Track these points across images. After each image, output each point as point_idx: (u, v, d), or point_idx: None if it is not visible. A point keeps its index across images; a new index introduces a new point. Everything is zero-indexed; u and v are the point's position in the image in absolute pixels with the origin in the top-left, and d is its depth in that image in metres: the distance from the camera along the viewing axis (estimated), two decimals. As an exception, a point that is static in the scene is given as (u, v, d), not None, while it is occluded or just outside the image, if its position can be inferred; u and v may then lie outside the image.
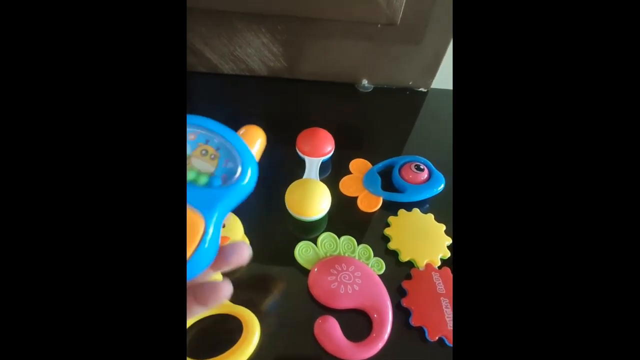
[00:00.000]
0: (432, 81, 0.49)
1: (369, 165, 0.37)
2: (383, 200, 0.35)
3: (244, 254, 0.18)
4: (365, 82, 0.49)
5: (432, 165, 0.36)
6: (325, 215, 0.32)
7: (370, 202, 0.34)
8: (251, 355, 0.25)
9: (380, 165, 0.37)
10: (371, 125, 0.45)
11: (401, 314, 0.28)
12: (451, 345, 0.26)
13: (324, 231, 0.31)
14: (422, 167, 0.35)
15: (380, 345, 0.25)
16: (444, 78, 0.49)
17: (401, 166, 0.36)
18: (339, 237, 0.31)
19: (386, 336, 0.26)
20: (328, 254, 0.30)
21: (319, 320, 0.25)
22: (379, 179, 0.36)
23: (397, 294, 0.29)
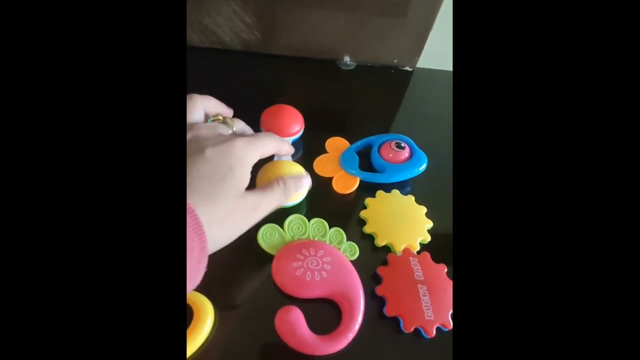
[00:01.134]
0: (418, 59, 0.46)
1: (347, 144, 0.34)
2: (360, 180, 0.32)
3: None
4: (347, 59, 0.46)
5: (414, 144, 0.33)
6: (303, 200, 0.28)
7: (346, 183, 0.31)
8: (200, 346, 0.22)
9: (358, 144, 0.34)
10: (353, 104, 0.42)
11: (375, 303, 0.25)
12: (428, 336, 0.24)
13: (292, 214, 0.28)
14: (402, 145, 0.32)
15: (348, 337, 0.23)
16: (430, 57, 0.46)
17: (381, 145, 0.33)
18: (309, 220, 0.28)
19: (356, 328, 0.23)
20: (295, 238, 0.27)
21: (280, 311, 0.23)
22: (357, 158, 0.33)
23: (372, 281, 0.26)
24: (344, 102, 0.42)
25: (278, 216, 0.28)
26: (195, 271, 0.18)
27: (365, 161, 0.33)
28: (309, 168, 0.32)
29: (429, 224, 0.29)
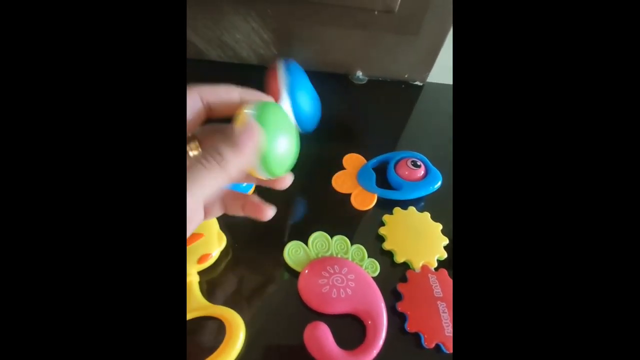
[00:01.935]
0: (428, 74, 0.47)
1: (363, 160, 0.36)
2: (378, 197, 0.33)
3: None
4: (359, 73, 0.47)
5: (429, 162, 0.35)
6: (325, 217, 0.29)
7: (364, 200, 0.33)
8: (235, 362, 0.23)
9: (374, 160, 0.35)
10: (365, 118, 0.43)
11: (396, 319, 0.26)
12: (448, 352, 0.25)
13: (315, 230, 0.29)
14: (418, 163, 0.34)
15: (374, 353, 0.24)
16: (441, 72, 0.47)
17: (397, 162, 0.34)
18: (331, 236, 0.29)
19: (380, 343, 0.24)
20: (319, 255, 0.28)
21: (309, 327, 0.24)
22: (374, 175, 0.34)
23: (392, 297, 0.27)
24: (356, 116, 0.43)
25: (302, 233, 0.29)
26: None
27: (381, 177, 0.34)
28: (327, 183, 0.33)
29: (445, 241, 0.30)
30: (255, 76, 0.44)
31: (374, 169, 0.35)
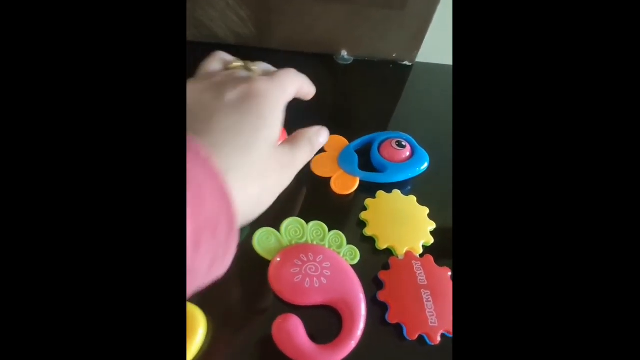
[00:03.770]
0: (417, 54, 0.45)
1: (346, 142, 0.33)
2: (360, 181, 0.31)
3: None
4: (344, 53, 0.45)
5: (415, 142, 0.32)
6: (302, 202, 0.27)
7: (345, 183, 0.30)
8: (193, 359, 0.21)
9: (357, 142, 0.33)
10: (351, 100, 0.40)
11: (377, 309, 0.24)
12: (432, 343, 0.23)
13: (290, 216, 0.27)
14: (404, 143, 0.31)
15: (350, 346, 0.22)
16: (430, 51, 0.45)
17: (381, 143, 0.32)
18: (307, 222, 0.27)
19: (358, 335, 0.22)
20: (293, 242, 0.26)
21: (278, 319, 0.22)
22: (356, 157, 0.32)
23: (374, 286, 0.25)
24: (341, 98, 0.41)
25: (274, 219, 0.27)
26: (223, 255, 0.14)
27: (365, 160, 0.32)
28: (305, 168, 0.31)
29: (432, 226, 0.28)
30: (232, 56, 0.42)
31: (357, 151, 0.32)
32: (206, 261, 0.14)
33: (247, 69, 0.22)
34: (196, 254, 0.13)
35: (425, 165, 0.31)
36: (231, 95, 0.17)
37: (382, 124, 0.37)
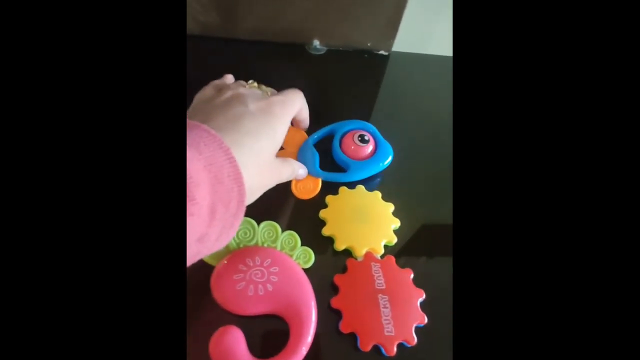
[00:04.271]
0: (393, 42, 0.42)
1: (305, 136, 0.31)
2: (322, 181, 0.28)
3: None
4: (316, 42, 0.42)
5: (379, 133, 0.30)
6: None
7: (306, 186, 0.28)
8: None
9: (316, 135, 0.30)
10: (324, 93, 0.38)
11: (332, 317, 0.22)
12: (388, 355, 0.21)
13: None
14: (367, 137, 0.29)
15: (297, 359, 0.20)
16: (407, 40, 0.42)
17: (342, 137, 0.30)
18: (258, 223, 0.25)
19: (305, 348, 0.20)
20: (242, 245, 0.24)
21: (217, 332, 0.20)
22: (317, 155, 0.29)
23: (331, 291, 0.23)
24: (314, 91, 0.38)
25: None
26: (230, 226, 0.17)
27: (327, 157, 0.30)
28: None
29: (396, 224, 0.26)
30: (196, 47, 0.40)
31: (318, 145, 0.30)
32: (217, 230, 0.17)
33: (260, 89, 0.26)
34: (211, 221, 0.16)
35: (390, 159, 0.29)
36: (253, 106, 0.22)
37: (357, 117, 0.35)
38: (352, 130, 0.30)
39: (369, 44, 0.43)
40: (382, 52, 0.43)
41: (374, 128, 0.30)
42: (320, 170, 0.28)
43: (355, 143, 0.29)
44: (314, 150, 0.29)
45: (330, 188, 0.28)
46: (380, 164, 0.28)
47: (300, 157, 0.29)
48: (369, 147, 0.29)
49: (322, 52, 0.42)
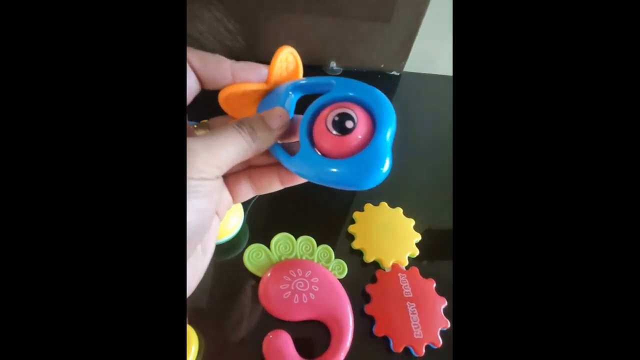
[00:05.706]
0: (405, 64, 0.46)
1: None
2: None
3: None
4: (333, 64, 0.45)
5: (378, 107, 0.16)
6: (291, 217, 0.28)
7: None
8: (188, 380, 0.22)
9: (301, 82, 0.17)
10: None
11: (366, 321, 0.25)
12: (417, 355, 0.24)
13: (279, 232, 0.28)
14: (350, 123, 0.14)
15: (339, 360, 0.23)
16: (418, 61, 0.46)
17: (319, 110, 0.15)
18: (296, 238, 0.27)
19: (345, 350, 0.23)
20: (283, 258, 0.26)
21: (268, 336, 0.22)
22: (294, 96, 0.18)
23: (362, 298, 0.26)
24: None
25: (264, 236, 0.27)
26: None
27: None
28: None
29: (417, 238, 0.29)
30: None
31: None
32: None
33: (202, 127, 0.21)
34: None
35: (387, 166, 0.14)
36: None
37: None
38: (332, 101, 0.15)
39: (382, 66, 0.46)
40: (394, 72, 0.46)
41: (373, 90, 0.15)
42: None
43: (328, 128, 0.14)
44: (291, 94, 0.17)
45: (355, 203, 0.31)
46: (364, 176, 0.14)
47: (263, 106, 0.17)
48: (352, 139, 0.14)
49: (338, 73, 0.45)
